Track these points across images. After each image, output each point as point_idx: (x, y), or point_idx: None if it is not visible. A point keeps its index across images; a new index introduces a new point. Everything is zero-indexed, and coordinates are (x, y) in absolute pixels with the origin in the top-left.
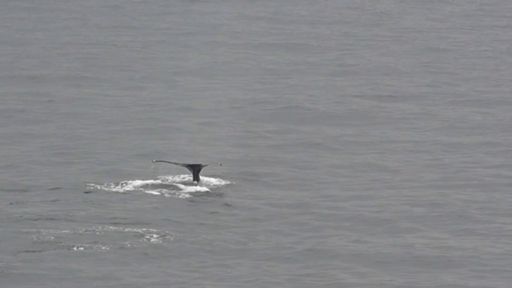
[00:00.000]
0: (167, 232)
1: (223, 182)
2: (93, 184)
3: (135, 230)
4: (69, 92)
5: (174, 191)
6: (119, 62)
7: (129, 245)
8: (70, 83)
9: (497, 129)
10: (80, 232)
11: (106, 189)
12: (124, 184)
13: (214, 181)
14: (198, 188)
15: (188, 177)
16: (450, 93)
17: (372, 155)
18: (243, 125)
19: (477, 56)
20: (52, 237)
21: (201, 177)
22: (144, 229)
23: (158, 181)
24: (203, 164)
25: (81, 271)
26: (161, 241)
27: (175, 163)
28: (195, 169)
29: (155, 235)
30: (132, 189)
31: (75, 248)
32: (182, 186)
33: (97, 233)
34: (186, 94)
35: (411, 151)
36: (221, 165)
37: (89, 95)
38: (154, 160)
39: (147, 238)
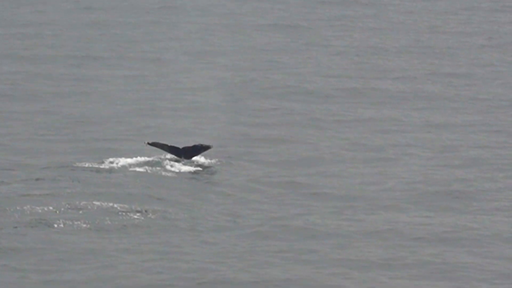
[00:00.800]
0: (149, 209)
1: (210, 160)
2: (80, 163)
3: (118, 207)
4: (58, 72)
5: (160, 169)
6: (109, 43)
7: (109, 221)
8: (60, 63)
9: (482, 109)
10: (63, 209)
11: (92, 167)
12: (110, 163)
13: (200, 159)
14: (184, 166)
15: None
16: (437, 73)
17: (358, 134)
18: (232, 104)
19: (467, 36)
20: (36, 215)
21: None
22: (127, 206)
23: (146, 159)
24: (195, 149)
25: (62, 246)
26: (143, 218)
27: (167, 146)
28: (188, 153)
29: (137, 213)
30: (119, 167)
31: (55, 225)
32: (168, 164)
33: (80, 211)
34: (175, 74)
35: (395, 131)
36: (211, 147)
37: (77, 75)
38: (146, 142)
39: (130, 215)
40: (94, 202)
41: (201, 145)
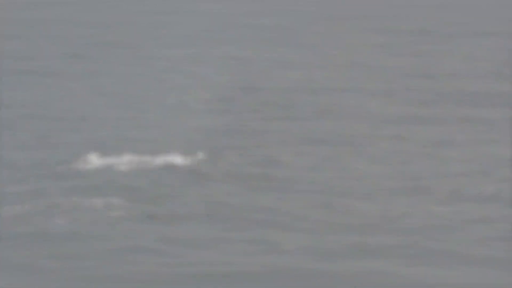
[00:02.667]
0: (129, 203)
1: (191, 154)
2: (68, 160)
3: (98, 202)
4: (52, 67)
5: (142, 164)
6: (105, 37)
7: (88, 217)
8: (47, 59)
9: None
10: (42, 207)
11: (74, 164)
12: (92, 159)
13: (185, 153)
14: (165, 158)
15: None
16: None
17: (338, 127)
18: (218, 102)
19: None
20: (15, 213)
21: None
22: (107, 201)
23: (127, 157)
24: None
25: (40, 241)
26: (124, 213)
27: None
28: None
29: (117, 207)
30: (100, 164)
31: (34, 222)
32: (150, 158)
33: (59, 208)
34: (165, 70)
35: (373, 124)
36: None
37: (69, 70)
38: None
39: (109, 210)
40: (74, 199)
41: None
